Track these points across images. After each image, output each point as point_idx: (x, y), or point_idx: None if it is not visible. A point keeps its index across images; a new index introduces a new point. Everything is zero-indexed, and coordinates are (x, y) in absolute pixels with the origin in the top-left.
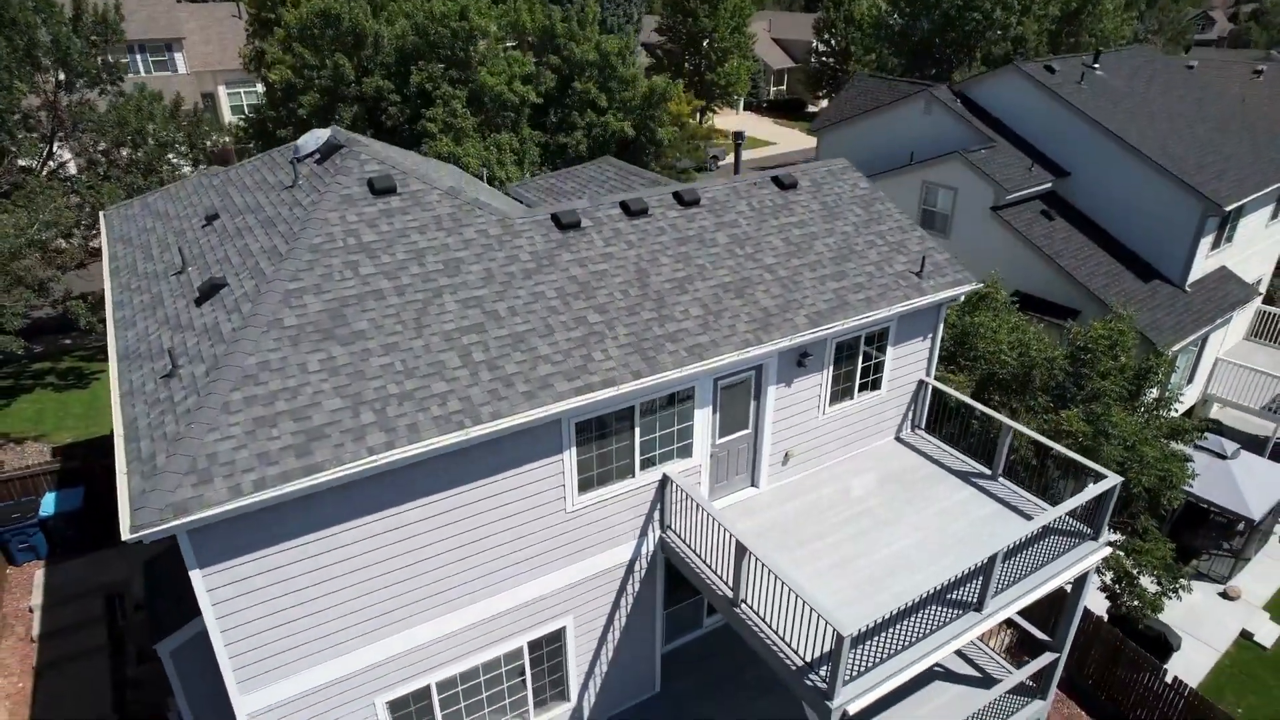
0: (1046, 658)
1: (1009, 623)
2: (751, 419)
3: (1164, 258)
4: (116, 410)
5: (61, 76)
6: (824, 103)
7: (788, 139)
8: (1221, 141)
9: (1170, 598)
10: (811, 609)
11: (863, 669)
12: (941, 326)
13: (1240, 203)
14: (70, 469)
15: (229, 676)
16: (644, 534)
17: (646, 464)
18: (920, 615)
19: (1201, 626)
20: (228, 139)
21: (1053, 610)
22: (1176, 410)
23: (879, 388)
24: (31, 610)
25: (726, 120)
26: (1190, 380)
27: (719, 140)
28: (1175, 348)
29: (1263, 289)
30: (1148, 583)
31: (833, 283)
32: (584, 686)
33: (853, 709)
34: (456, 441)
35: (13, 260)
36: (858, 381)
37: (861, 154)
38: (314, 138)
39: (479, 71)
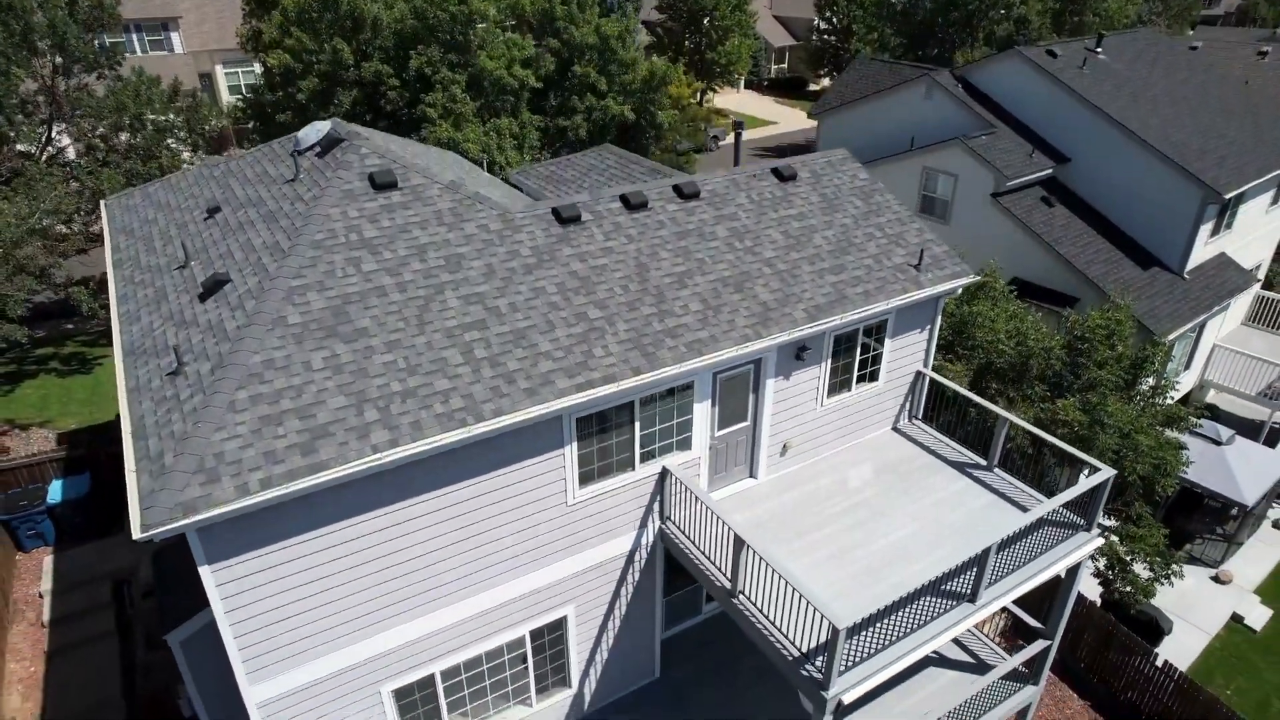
0: (1039, 645)
1: (1003, 608)
2: (750, 411)
3: (1163, 245)
4: (124, 407)
5: (59, 61)
6: (825, 81)
7: (789, 118)
8: (1223, 127)
9: (1162, 584)
10: (807, 602)
11: (858, 659)
12: (939, 318)
13: (1240, 190)
14: (76, 456)
15: (238, 668)
16: (644, 525)
17: (646, 457)
18: (915, 606)
19: (1193, 610)
20: (226, 122)
21: (1046, 597)
22: (1173, 397)
23: (876, 379)
24: (41, 596)
25: (727, 99)
26: (1187, 366)
27: (719, 121)
28: (1172, 336)
29: (1261, 274)
30: (1140, 569)
31: (831, 276)
32: (585, 673)
33: (848, 699)
34: (459, 439)
35: (15, 249)
36: (855, 373)
37: (862, 138)
38: (314, 130)
39: (478, 55)
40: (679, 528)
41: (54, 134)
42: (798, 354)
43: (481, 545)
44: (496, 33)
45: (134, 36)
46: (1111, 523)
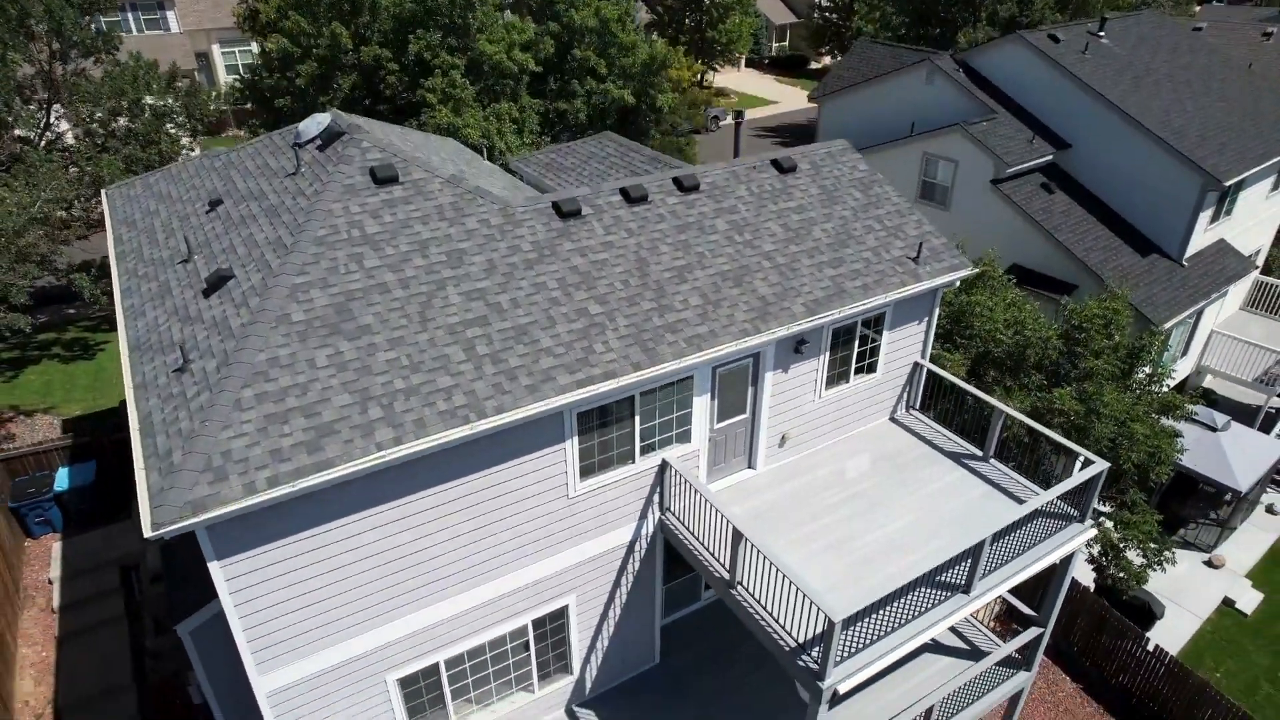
0: (1032, 632)
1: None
2: (749, 404)
3: (1162, 231)
4: (131, 403)
5: (55, 46)
6: (827, 60)
7: (790, 98)
8: (1225, 112)
9: (1155, 570)
10: (805, 595)
11: (853, 650)
12: (937, 309)
13: (1240, 177)
14: (82, 444)
15: (248, 659)
16: (644, 516)
17: (646, 450)
18: (910, 597)
19: (1186, 594)
20: (225, 108)
21: (1040, 585)
22: (1169, 384)
23: (874, 371)
24: (51, 582)
25: (727, 78)
26: (1185, 352)
27: (719, 101)
28: (1169, 324)
29: (1260, 260)
30: (1134, 556)
31: (830, 269)
32: (586, 660)
33: (843, 688)
34: (462, 436)
35: (17, 237)
36: (854, 365)
37: (863, 123)
38: (315, 123)
39: (478, 39)
40: (678, 519)
41: (52, 119)
42: (796, 347)
43: (484, 538)
44: (496, 16)
45: (129, 16)
46: (1106, 508)
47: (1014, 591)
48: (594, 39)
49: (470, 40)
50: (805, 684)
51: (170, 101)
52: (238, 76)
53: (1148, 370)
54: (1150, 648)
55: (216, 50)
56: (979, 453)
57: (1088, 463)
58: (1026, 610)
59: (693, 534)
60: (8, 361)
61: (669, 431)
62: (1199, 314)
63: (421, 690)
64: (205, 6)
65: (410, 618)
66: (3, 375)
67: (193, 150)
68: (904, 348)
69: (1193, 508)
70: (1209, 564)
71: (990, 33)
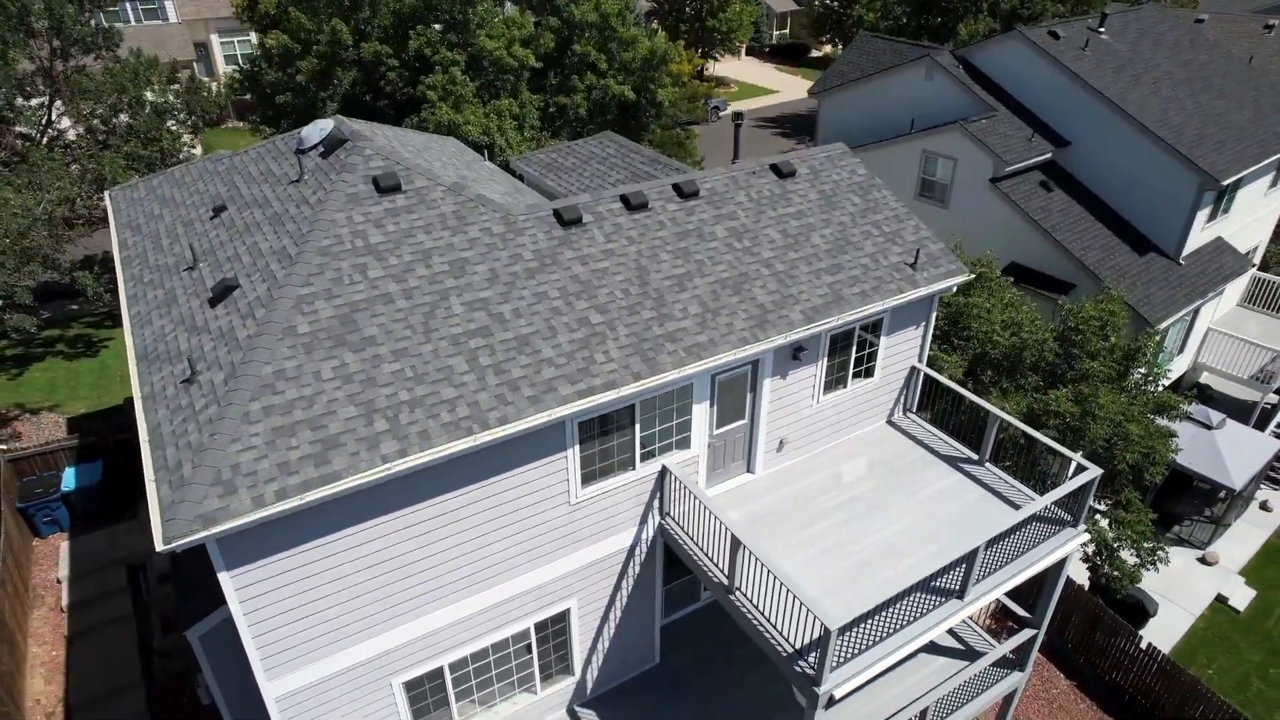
0: (1026, 634)
1: None
2: (748, 410)
3: (1160, 230)
4: (140, 414)
5: (56, 43)
6: (827, 48)
7: (790, 87)
8: (1224, 109)
9: (1148, 569)
10: (802, 603)
11: (849, 655)
12: (934, 314)
13: (1238, 176)
14: (88, 444)
15: (257, 665)
16: (644, 521)
17: (646, 456)
18: (905, 603)
19: (1179, 591)
20: (224, 105)
21: (1034, 586)
22: (1164, 383)
23: (872, 375)
24: (59, 581)
25: (727, 67)
26: (1181, 350)
27: (719, 92)
28: (1165, 323)
29: (1258, 257)
30: (1127, 556)
31: (828, 276)
32: (587, 661)
33: (839, 693)
34: (465, 448)
35: (21, 239)
36: (851, 370)
37: (863, 118)
38: (317, 129)
39: (478, 35)
40: (678, 524)
41: (53, 116)
42: (795, 354)
43: (487, 545)
44: (496, 12)
45: (128, 6)
46: (1101, 506)
47: (1009, 593)
48: (594, 34)
49: (470, 36)
50: (802, 689)
51: (171, 99)
52: (237, 67)
53: (1143, 371)
54: (1143, 645)
55: (215, 40)
56: (975, 456)
57: (1081, 468)
58: (1021, 612)
59: (692, 539)
60: (12, 359)
61: (669, 438)
62: (1196, 312)
63: (426, 693)
64: None
65: (415, 623)
66: (8, 373)
67: (194, 148)
68: (901, 352)
69: (1187, 505)
70: (1203, 561)
71: (991, 24)
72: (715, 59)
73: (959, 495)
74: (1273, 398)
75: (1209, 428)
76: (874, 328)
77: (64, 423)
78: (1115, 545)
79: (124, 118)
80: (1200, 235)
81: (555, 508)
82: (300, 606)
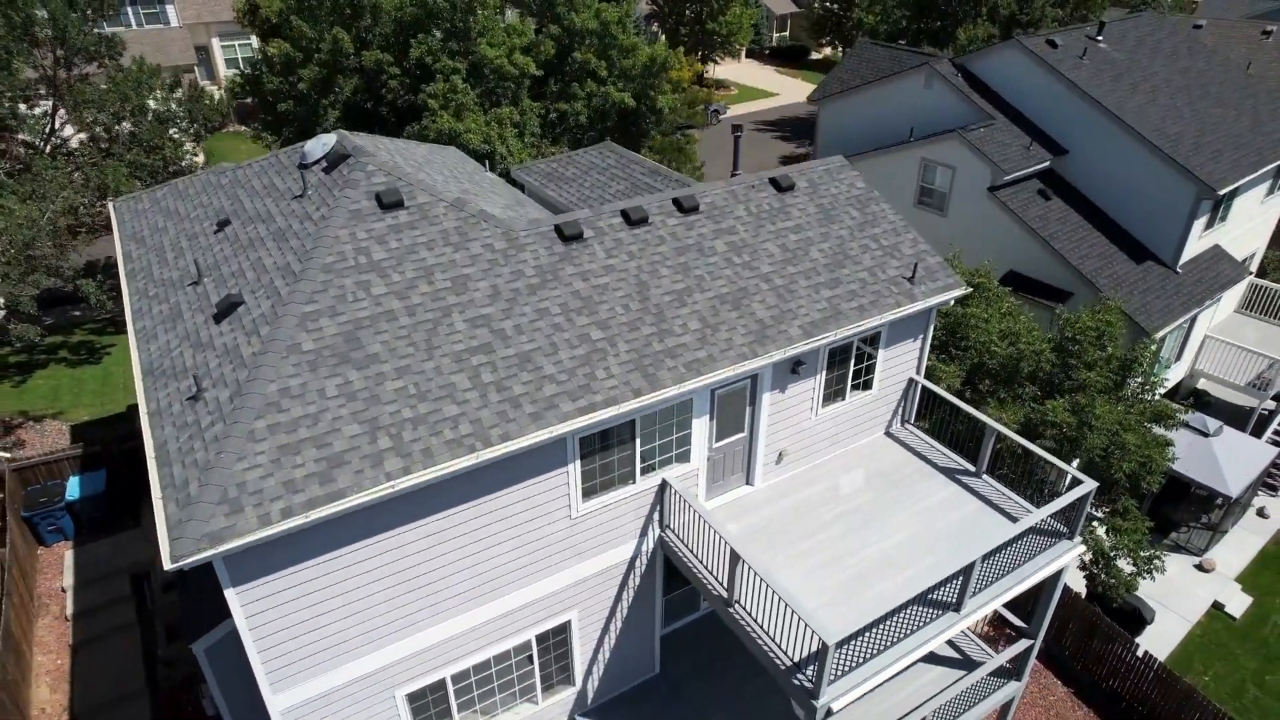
0: (1023, 644)
1: None
2: (747, 423)
3: (1157, 238)
4: (146, 430)
5: (60, 53)
6: (827, 50)
7: (790, 89)
8: (1221, 117)
9: (1144, 578)
10: (800, 618)
11: (846, 669)
12: (932, 327)
13: (1235, 185)
14: (92, 453)
15: (262, 679)
16: (644, 533)
17: (647, 470)
18: (902, 616)
19: (1176, 598)
20: (226, 111)
21: (1031, 596)
22: (1161, 391)
23: (870, 388)
24: (64, 590)
25: (727, 69)
26: (1178, 357)
27: (719, 96)
28: (1162, 332)
29: (1255, 264)
30: (1124, 565)
31: (827, 290)
32: (588, 671)
33: (836, 706)
34: (468, 465)
35: (26, 249)
36: (850, 383)
37: (863, 126)
38: (320, 144)
39: (479, 43)
40: (678, 536)
41: (57, 124)
42: (794, 368)
43: (489, 559)
44: (497, 20)
45: (129, 10)
46: (1099, 514)
47: (1006, 603)
48: (594, 41)
49: (471, 44)
50: (800, 702)
51: (174, 106)
52: (238, 71)
53: (1139, 380)
54: (1140, 653)
55: (216, 44)
56: (972, 468)
57: (1076, 481)
58: (1017, 622)
59: (692, 552)
60: (15, 366)
61: (669, 452)
62: (1193, 319)
63: (429, 704)
64: None
65: (418, 636)
66: (11, 380)
67: (196, 156)
68: (899, 364)
69: (1184, 512)
70: (1199, 568)
71: (990, 29)
72: (715, 62)
73: (956, 507)
74: (1270, 404)
75: (1206, 435)
76: (872, 340)
77: (67, 430)
78: (1112, 554)
79: (127, 126)
80: (1197, 243)
81: (556, 522)
82: (305, 621)
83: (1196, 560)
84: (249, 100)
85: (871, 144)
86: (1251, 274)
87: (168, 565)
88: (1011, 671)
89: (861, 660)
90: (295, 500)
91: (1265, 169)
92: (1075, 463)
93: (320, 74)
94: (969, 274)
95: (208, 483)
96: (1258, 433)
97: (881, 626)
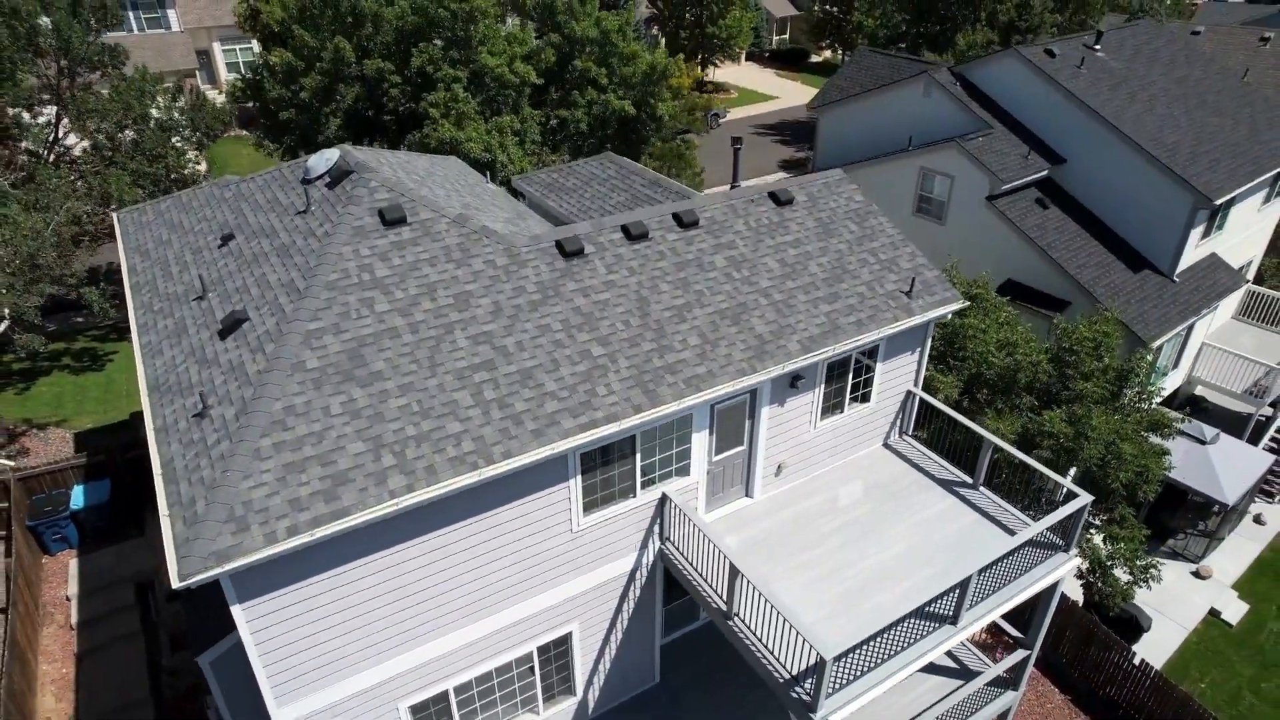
0: (1019, 654)
1: None
2: (746, 436)
3: (1154, 247)
4: (153, 446)
5: (64, 63)
6: (827, 53)
7: (790, 92)
8: (1218, 126)
9: (1141, 586)
10: (799, 633)
11: (844, 681)
12: (930, 339)
13: (1231, 195)
14: (96, 462)
15: (267, 693)
16: (644, 546)
17: (647, 484)
18: (899, 629)
19: (1173, 606)
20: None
21: (1028, 607)
22: (1158, 399)
23: (868, 400)
24: (69, 599)
25: (727, 72)
26: (1176, 364)
27: (718, 100)
28: (1160, 341)
29: (1251, 272)
30: (1120, 573)
31: (825, 305)
32: (589, 681)
33: (834, 719)
34: (471, 483)
35: (30, 259)
36: (848, 395)
37: (862, 134)
38: (323, 160)
39: (479, 52)
40: (678, 549)
41: (60, 134)
42: (792, 382)
43: (491, 573)
44: (498, 29)
45: (130, 15)
46: (1096, 522)
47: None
48: (595, 49)
49: (472, 53)
50: (798, 714)
51: (176, 115)
52: (239, 75)
53: (1135, 390)
54: (1137, 661)
55: (217, 48)
56: (969, 480)
57: (1072, 494)
58: (1014, 632)
59: (692, 565)
60: (19, 373)
61: (669, 466)
62: (1190, 328)
63: (431, 716)
64: (205, 4)
65: (421, 650)
66: (15, 387)
67: (199, 164)
68: (897, 377)
69: (1181, 519)
70: (1196, 575)
71: (989, 34)
72: (715, 65)
73: (954, 519)
74: (1267, 410)
75: (1203, 442)
76: (870, 354)
77: (71, 438)
78: (1109, 563)
79: (130, 134)
80: (1194, 252)
81: (558, 536)
82: (310, 636)
83: (1193, 567)
84: (250, 105)
85: (871, 152)
86: (1248, 281)
87: (175, 584)
88: (1008, 681)
89: (859, 673)
90: (301, 518)
91: (1262, 178)
92: (1072, 473)
93: (322, 83)
94: (967, 284)
95: (214, 501)
96: (1255, 439)
97: (879, 640)
